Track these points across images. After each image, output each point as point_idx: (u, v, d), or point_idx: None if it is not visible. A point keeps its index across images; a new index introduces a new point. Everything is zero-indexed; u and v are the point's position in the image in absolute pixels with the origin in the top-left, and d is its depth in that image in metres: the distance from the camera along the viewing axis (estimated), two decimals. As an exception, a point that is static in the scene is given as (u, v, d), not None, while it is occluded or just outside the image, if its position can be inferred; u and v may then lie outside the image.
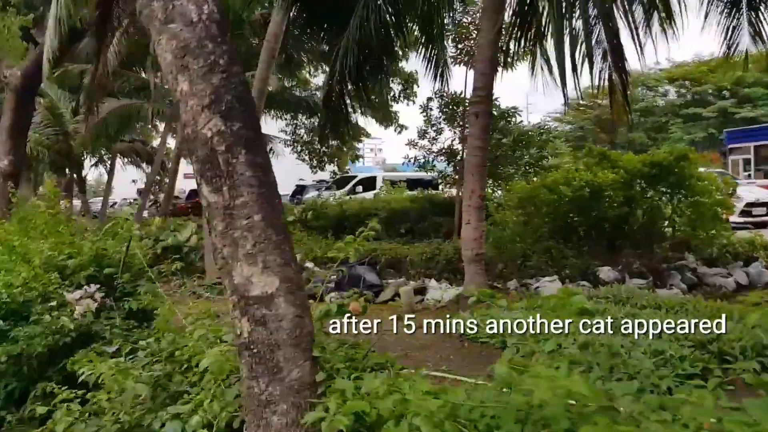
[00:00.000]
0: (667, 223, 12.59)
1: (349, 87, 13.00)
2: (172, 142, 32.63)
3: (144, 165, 33.75)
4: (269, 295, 2.52)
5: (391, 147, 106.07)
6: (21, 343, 5.56)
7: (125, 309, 6.68)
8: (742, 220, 16.46)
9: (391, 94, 23.72)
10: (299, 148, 30.80)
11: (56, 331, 5.65)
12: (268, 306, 2.52)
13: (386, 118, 24.31)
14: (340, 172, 30.79)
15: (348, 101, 13.00)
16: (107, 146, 23.66)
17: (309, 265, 12.22)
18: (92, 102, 14.53)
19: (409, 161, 18.62)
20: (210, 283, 12.66)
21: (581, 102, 54.89)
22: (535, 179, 16.84)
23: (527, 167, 16.91)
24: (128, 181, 41.23)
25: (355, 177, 29.53)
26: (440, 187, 27.51)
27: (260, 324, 2.52)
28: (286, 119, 30.14)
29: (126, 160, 32.05)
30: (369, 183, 28.33)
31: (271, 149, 27.25)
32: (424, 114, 17.80)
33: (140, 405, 3.07)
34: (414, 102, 23.51)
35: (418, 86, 23.80)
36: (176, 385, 3.18)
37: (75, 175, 25.34)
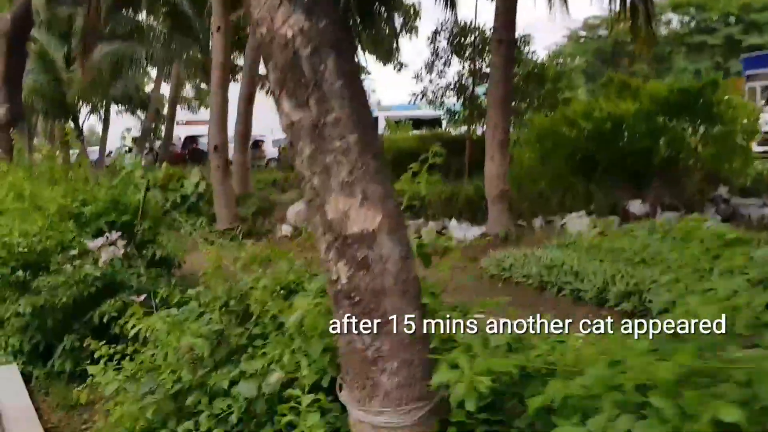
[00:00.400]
0: (690, 154, 12.17)
1: (357, 18, 12.43)
2: (165, 89, 31.93)
3: (138, 112, 33.02)
4: (371, 233, 2.09)
5: (384, 87, 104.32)
6: (44, 294, 5.23)
7: (146, 257, 6.36)
8: (761, 149, 16.06)
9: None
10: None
11: (80, 281, 5.31)
12: (370, 245, 2.09)
13: (387, 54, 23.50)
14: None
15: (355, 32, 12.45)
16: (103, 92, 22.94)
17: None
18: (87, 45, 13.89)
19: (416, 97, 18.05)
20: (222, 229, 12.28)
21: (582, 34, 53.79)
22: (548, 114, 16.35)
23: (540, 101, 16.39)
24: (121, 129, 40.43)
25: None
26: (443, 124, 27.05)
27: (362, 267, 2.10)
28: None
29: (120, 107, 31.30)
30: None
31: (268, 90, 26.56)
32: (432, 46, 17.12)
33: (199, 361, 2.73)
34: (416, 35, 22.70)
35: (420, 19, 22.92)
36: (237, 338, 2.83)
37: (72, 124, 24.68)
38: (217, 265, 3.47)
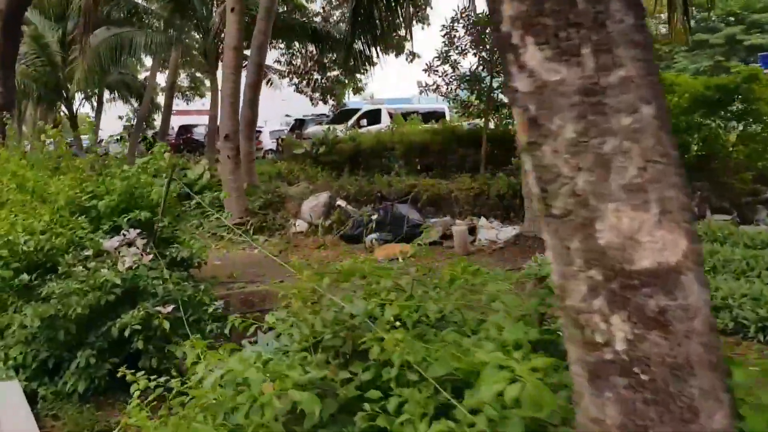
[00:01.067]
0: (726, 153, 11.53)
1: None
2: (161, 77, 31.04)
3: (132, 100, 32.09)
4: (671, 270, 1.30)
5: (379, 81, 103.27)
6: (54, 303, 4.48)
7: (166, 258, 5.62)
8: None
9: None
10: (297, 80, 29.14)
11: (97, 287, 4.57)
12: (671, 290, 1.28)
13: (398, 45, 22.71)
14: (340, 106, 29.31)
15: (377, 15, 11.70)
16: (99, 79, 22.02)
17: (341, 203, 11.13)
18: (87, 28, 13.04)
19: (427, 89, 17.31)
20: (232, 224, 11.50)
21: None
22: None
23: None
24: (113, 117, 39.41)
25: (358, 110, 28.11)
26: (447, 117, 26.34)
27: (656, 326, 1.27)
28: (280, 48, 28.26)
29: (113, 94, 30.35)
30: (374, 116, 26.97)
31: (269, 80, 25.70)
32: (446, 36, 16.35)
33: (298, 421, 1.99)
34: (429, 24, 21.96)
35: (431, 8, 22.20)
36: (345, 389, 2.09)
37: (66, 111, 23.78)
38: (314, 280, 2.73)
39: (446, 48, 16.58)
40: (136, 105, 32.41)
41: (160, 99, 32.46)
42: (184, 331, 4.65)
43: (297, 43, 27.71)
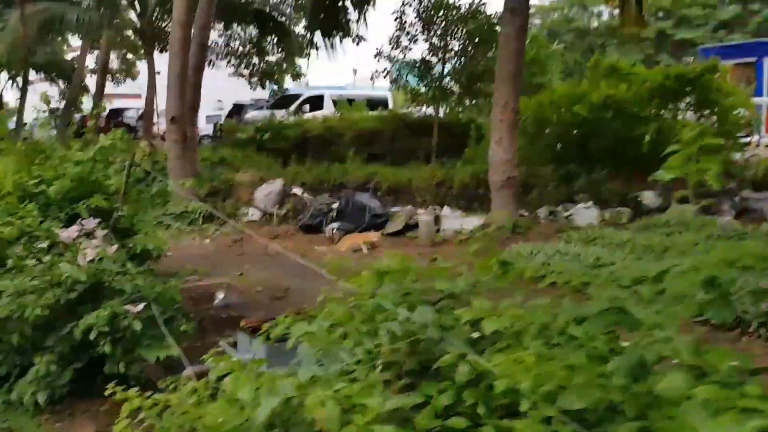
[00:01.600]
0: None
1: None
2: (89, 58, 29.56)
3: (60, 82, 30.44)
4: None
5: (315, 68, 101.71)
6: (6, 303, 3.93)
7: (127, 250, 5.09)
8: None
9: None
10: (236, 62, 28.21)
11: (55, 283, 4.04)
12: None
13: (344, 28, 22.11)
14: (280, 91, 28.58)
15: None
16: (27, 59, 20.65)
17: (297, 191, 10.66)
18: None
19: (378, 75, 16.97)
20: (178, 211, 10.86)
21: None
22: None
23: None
24: (37, 99, 37.26)
25: (299, 96, 27.46)
26: (390, 104, 26.05)
27: None
28: (217, 29, 27.24)
29: (40, 76, 28.72)
30: (316, 102, 26.39)
31: (211, 62, 24.73)
32: (397, 21, 16.00)
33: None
34: (374, 6, 21.41)
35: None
36: (426, 419, 1.71)
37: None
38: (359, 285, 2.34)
39: (397, 33, 16.25)
40: (63, 87, 30.76)
41: (88, 81, 30.88)
42: (154, 332, 4.20)
43: (236, 25, 26.80)
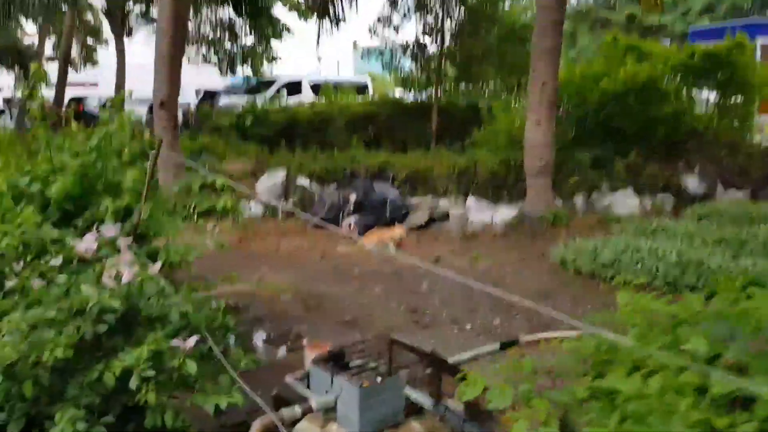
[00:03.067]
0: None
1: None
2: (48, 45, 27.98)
3: (16, 69, 28.68)
4: None
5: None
6: (18, 341, 2.94)
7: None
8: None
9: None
10: (206, 48, 26.84)
11: (78, 312, 3.07)
12: None
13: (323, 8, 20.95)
14: (256, 77, 27.29)
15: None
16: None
17: (303, 182, 9.68)
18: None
19: (369, 54, 16.02)
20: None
21: None
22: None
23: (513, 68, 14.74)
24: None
25: (274, 81, 26.37)
26: (370, 90, 25.15)
27: None
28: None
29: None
30: (294, 88, 25.41)
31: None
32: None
33: None
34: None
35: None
36: None
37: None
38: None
39: (388, 13, 15.32)
40: (19, 74, 29.00)
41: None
42: (207, 369, 3.27)
43: (206, 8, 25.49)
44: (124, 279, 3.09)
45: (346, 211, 8.52)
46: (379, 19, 15.44)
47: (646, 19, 46.78)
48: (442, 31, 14.61)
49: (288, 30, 25.80)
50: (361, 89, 24.43)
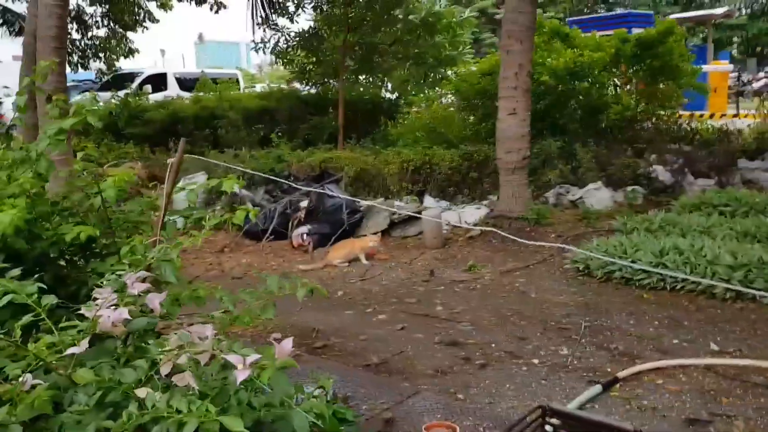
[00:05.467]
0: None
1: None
2: None
3: None
4: None
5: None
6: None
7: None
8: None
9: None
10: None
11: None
12: None
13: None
14: (111, 71, 24.69)
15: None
16: None
17: (199, 178, 8.30)
18: None
19: (261, 47, 14.59)
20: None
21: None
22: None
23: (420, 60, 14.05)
24: None
25: (136, 75, 24.07)
26: (241, 82, 23.61)
27: None
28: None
29: None
30: (158, 81, 23.33)
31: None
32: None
33: None
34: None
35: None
36: None
37: None
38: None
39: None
40: None
41: None
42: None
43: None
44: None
45: (295, 220, 7.29)
46: (272, 6, 14.10)
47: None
48: (346, 19, 13.52)
49: (153, 19, 23.60)
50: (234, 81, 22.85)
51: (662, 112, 10.59)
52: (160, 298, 2.30)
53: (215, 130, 13.84)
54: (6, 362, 2.02)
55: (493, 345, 4.37)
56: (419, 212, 7.37)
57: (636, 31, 11.76)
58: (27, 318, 2.08)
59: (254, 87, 23.81)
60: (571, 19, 21.38)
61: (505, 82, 7.12)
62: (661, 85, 10.39)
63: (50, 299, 2.18)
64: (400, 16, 13.22)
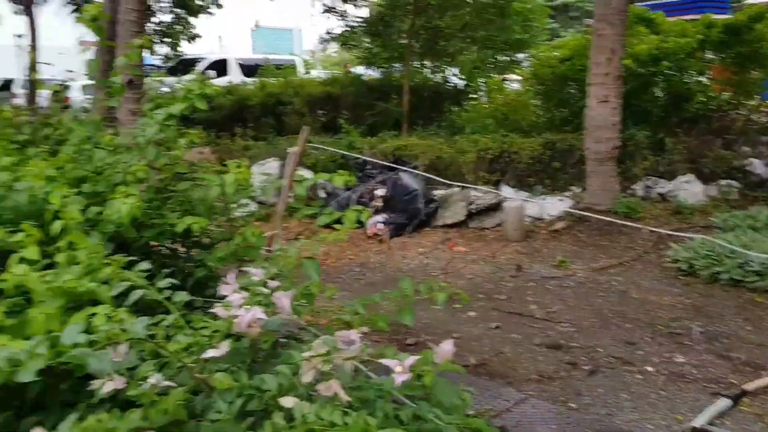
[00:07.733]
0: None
1: None
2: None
3: None
4: None
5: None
6: None
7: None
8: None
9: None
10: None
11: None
12: None
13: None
14: (177, 55, 25.00)
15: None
16: None
17: (305, 173, 8.15)
18: None
19: (330, 37, 14.52)
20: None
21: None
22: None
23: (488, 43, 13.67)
24: None
25: (198, 60, 24.30)
26: (300, 69, 23.55)
27: None
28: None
29: None
30: (221, 67, 23.58)
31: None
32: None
33: None
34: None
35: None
36: None
37: None
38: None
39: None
40: None
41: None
42: None
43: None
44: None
45: (371, 209, 7.13)
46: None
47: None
48: (414, 2, 13.26)
49: (219, 5, 23.95)
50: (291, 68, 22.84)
51: (752, 102, 10.03)
52: (289, 296, 2.15)
53: (279, 116, 13.80)
54: (136, 362, 1.90)
55: (600, 349, 4.13)
56: (500, 203, 7.12)
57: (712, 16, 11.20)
58: (170, 318, 1.96)
59: (309, 73, 23.82)
60: (642, 3, 20.58)
61: (596, 68, 6.80)
62: (753, 73, 9.81)
63: (182, 296, 2.06)
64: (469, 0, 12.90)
